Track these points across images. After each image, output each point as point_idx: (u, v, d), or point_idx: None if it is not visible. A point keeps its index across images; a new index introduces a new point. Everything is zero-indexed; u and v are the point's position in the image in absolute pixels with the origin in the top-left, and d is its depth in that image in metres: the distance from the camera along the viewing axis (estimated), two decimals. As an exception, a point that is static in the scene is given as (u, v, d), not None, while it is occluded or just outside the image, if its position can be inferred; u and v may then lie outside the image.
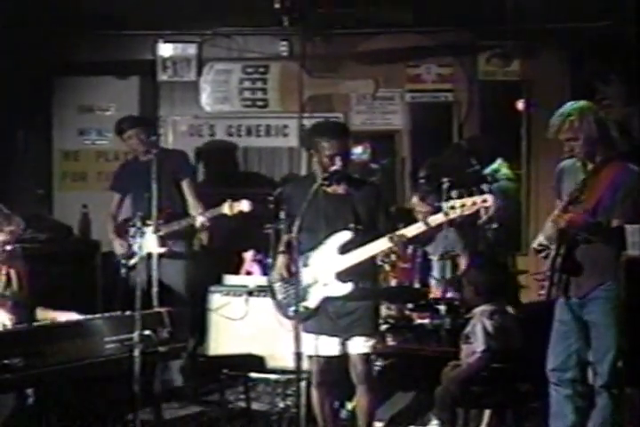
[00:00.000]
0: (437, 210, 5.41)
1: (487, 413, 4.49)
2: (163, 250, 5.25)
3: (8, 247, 4.36)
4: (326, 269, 4.22)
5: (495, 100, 6.69)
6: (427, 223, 4.11)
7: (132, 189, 5.62)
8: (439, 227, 4.86)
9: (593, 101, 4.18)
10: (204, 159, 7.13)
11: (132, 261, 5.41)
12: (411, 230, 4.14)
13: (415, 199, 5.68)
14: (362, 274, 4.24)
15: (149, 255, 4.79)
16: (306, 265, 4.22)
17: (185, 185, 5.61)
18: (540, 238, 4.07)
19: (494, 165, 6.40)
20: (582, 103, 3.99)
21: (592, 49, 6.25)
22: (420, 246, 5.44)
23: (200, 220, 5.33)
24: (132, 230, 5.44)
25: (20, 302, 4.45)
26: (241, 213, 5.14)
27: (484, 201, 4.00)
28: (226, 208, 5.16)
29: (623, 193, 3.88)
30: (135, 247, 5.40)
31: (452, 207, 4.02)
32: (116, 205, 5.82)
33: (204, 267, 5.84)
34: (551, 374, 4.07)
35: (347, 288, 4.19)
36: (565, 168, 4.11)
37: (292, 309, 4.23)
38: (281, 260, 4.40)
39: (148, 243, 4.83)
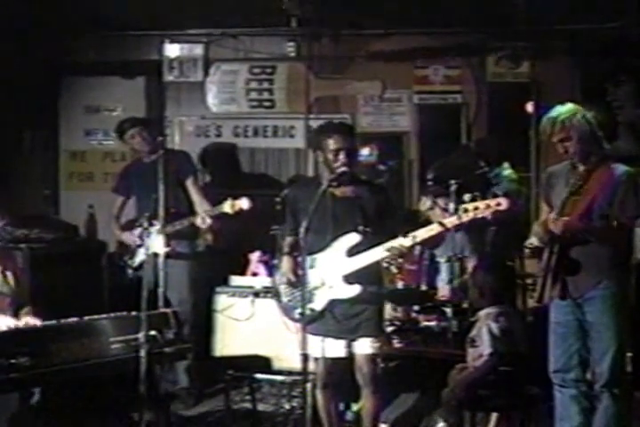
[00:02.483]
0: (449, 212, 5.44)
1: (494, 416, 4.47)
2: (166, 250, 5.24)
3: None
4: (333, 271, 4.21)
5: (504, 101, 6.67)
6: (443, 225, 4.08)
7: (137, 191, 5.60)
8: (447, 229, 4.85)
9: (603, 103, 4.18)
10: (211, 160, 7.11)
11: (137, 261, 5.41)
12: (425, 232, 4.11)
13: (429, 203, 5.63)
14: (368, 277, 4.23)
15: (155, 255, 4.78)
16: (312, 267, 4.20)
17: (189, 184, 5.60)
18: (532, 239, 4.05)
19: (497, 168, 6.38)
20: (570, 105, 4.00)
21: (602, 50, 6.23)
22: (427, 248, 5.42)
23: (201, 218, 5.31)
24: (138, 231, 5.43)
25: (17, 299, 4.45)
26: (242, 211, 5.14)
27: (498, 204, 3.98)
28: (226, 206, 5.16)
29: (623, 193, 3.88)
30: (141, 247, 5.40)
31: (466, 210, 4.01)
32: (118, 208, 5.78)
33: (210, 267, 5.82)
34: (554, 376, 4.06)
35: (354, 291, 4.17)
36: (555, 173, 4.12)
37: (298, 311, 4.23)
38: (286, 262, 4.38)
39: (154, 243, 4.83)
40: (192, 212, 5.48)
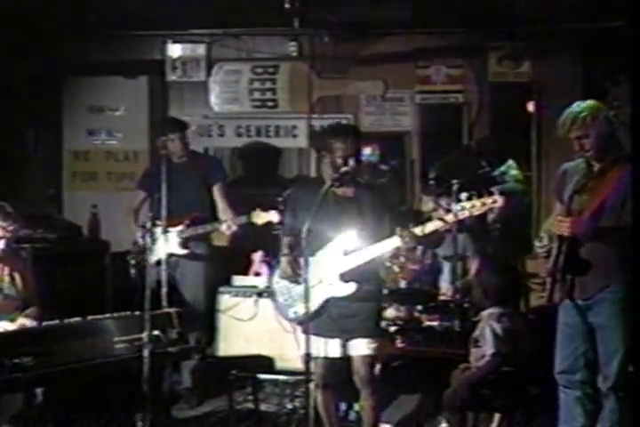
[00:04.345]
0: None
1: (497, 416, 4.49)
2: (185, 252, 5.27)
3: (0, 244, 4.37)
4: (330, 269, 4.20)
5: (505, 101, 6.68)
6: (444, 220, 4.08)
7: (159, 190, 5.58)
8: (449, 229, 4.85)
9: (604, 102, 4.15)
10: (251, 159, 7.11)
11: (153, 260, 5.40)
12: (427, 227, 4.11)
13: (431, 204, 5.63)
14: (366, 275, 4.22)
15: (164, 258, 4.79)
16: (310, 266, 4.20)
17: (216, 190, 5.58)
18: (543, 236, 4.03)
19: (503, 167, 6.39)
20: (592, 102, 3.97)
21: (603, 50, 6.22)
22: (429, 248, 5.43)
23: (226, 226, 5.32)
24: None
25: (24, 302, 4.45)
26: (269, 223, 5.14)
27: (494, 202, 3.98)
28: (255, 218, 5.16)
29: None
30: (151, 248, 5.39)
31: (462, 208, 4.02)
32: (139, 202, 5.73)
33: (217, 268, 5.82)
34: (559, 377, 4.04)
35: (350, 288, 4.17)
36: (569, 170, 4.06)
37: (292, 310, 4.25)
38: (284, 262, 4.38)
39: (164, 244, 4.84)
40: (214, 217, 5.48)
